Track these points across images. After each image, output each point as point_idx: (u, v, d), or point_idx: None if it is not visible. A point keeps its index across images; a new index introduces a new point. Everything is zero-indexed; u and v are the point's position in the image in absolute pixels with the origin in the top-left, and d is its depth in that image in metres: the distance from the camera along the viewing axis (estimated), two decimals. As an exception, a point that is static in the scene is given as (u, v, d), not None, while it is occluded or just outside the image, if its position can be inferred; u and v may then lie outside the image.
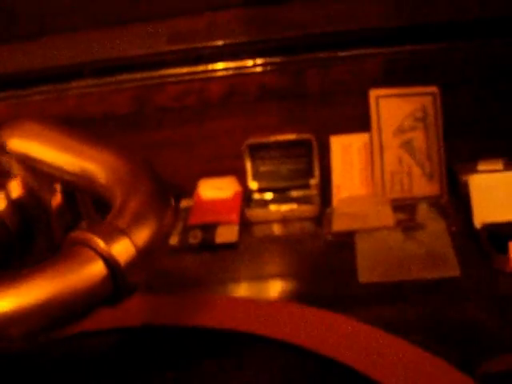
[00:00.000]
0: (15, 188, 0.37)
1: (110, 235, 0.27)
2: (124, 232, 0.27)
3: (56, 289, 0.25)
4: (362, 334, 0.60)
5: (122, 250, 0.27)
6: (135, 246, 0.28)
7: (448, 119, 0.88)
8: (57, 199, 0.41)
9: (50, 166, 0.39)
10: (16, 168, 0.39)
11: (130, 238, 0.28)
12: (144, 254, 0.30)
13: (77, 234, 0.27)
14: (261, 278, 0.78)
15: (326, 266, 0.78)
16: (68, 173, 0.39)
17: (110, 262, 0.26)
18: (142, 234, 0.31)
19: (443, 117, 0.87)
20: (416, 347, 0.60)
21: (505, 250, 0.72)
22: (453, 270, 0.73)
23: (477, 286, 0.72)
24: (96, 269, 0.26)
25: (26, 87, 0.88)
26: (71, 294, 0.26)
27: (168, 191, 0.41)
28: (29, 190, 0.37)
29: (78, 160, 0.40)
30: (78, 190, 0.43)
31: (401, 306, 0.69)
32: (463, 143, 0.89)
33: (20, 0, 0.89)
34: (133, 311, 0.61)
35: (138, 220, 0.32)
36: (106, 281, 0.26)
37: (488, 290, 0.71)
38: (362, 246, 0.77)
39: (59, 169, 0.39)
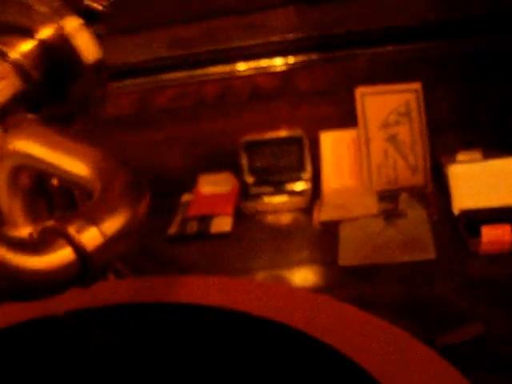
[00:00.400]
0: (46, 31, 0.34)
1: (81, 224, 0.32)
2: (94, 222, 0.32)
3: (32, 268, 0.30)
4: (339, 312, 0.64)
5: (90, 237, 0.30)
6: (103, 234, 0.32)
7: (432, 114, 0.93)
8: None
9: (40, 161, 0.44)
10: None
11: (99, 227, 0.31)
12: (111, 242, 0.34)
13: (51, 223, 0.32)
14: (251, 264, 0.83)
15: (311, 252, 0.83)
16: (56, 168, 0.44)
17: (78, 248, 0.31)
18: (111, 224, 0.35)
19: (427, 112, 0.92)
20: (385, 322, 0.64)
21: (479, 234, 0.77)
22: (429, 254, 0.77)
23: (450, 268, 0.76)
24: (65, 254, 0.31)
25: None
26: (45, 273, 0.31)
27: (144, 184, 0.45)
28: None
29: (64, 155, 0.45)
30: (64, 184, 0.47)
31: (376, 286, 0.74)
32: (448, 136, 0.94)
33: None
34: (121, 291, 0.66)
35: (108, 210, 0.37)
36: (74, 264, 0.31)
37: (460, 271, 0.75)
38: (345, 233, 0.82)
39: (50, 165, 0.44)
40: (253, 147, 0.96)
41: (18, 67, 0.33)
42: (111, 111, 0.95)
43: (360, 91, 0.92)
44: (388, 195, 0.90)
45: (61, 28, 0.33)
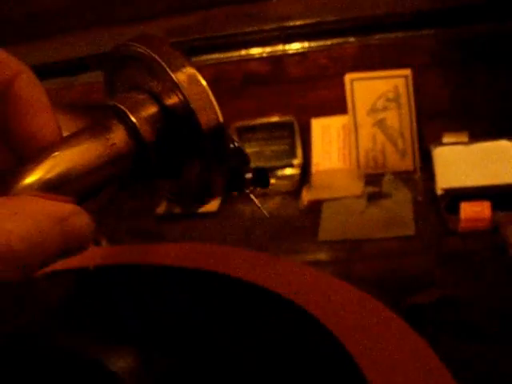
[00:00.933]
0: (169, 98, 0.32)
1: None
2: None
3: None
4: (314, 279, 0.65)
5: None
6: None
7: (423, 101, 0.93)
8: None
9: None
10: None
11: None
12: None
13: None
14: (237, 242, 0.84)
15: (294, 229, 0.84)
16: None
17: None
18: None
19: (418, 98, 0.92)
20: (357, 290, 0.65)
21: (458, 212, 0.77)
22: (408, 230, 0.78)
23: (427, 244, 0.76)
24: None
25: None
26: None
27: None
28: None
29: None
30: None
31: (353, 259, 0.75)
32: (438, 123, 0.94)
33: (37, 3, 1.01)
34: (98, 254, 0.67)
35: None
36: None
37: (437, 247, 0.75)
38: (328, 211, 0.83)
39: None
40: (244, 132, 0.98)
41: (134, 131, 0.31)
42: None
43: (349, 77, 0.93)
44: (376, 179, 0.91)
45: (187, 96, 0.31)
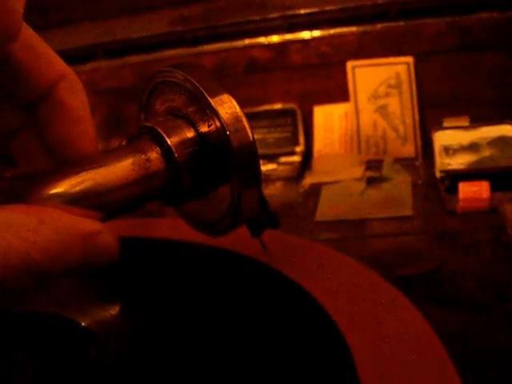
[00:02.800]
0: (204, 124, 0.32)
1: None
2: None
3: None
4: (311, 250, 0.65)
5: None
6: None
7: (426, 88, 0.94)
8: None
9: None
10: None
11: None
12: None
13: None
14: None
15: (293, 210, 0.84)
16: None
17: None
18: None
19: (420, 86, 0.93)
20: (352, 261, 0.65)
21: (456, 192, 0.77)
22: (405, 210, 0.78)
23: (424, 223, 0.76)
24: None
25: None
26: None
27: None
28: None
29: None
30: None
31: (349, 238, 0.75)
32: (441, 111, 0.94)
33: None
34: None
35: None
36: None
37: (435, 226, 0.75)
38: (326, 193, 0.83)
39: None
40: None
41: (169, 153, 0.32)
42: (113, 83, 1.00)
43: (351, 64, 0.94)
44: (376, 165, 0.91)
45: (224, 123, 0.32)
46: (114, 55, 1.02)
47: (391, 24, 0.94)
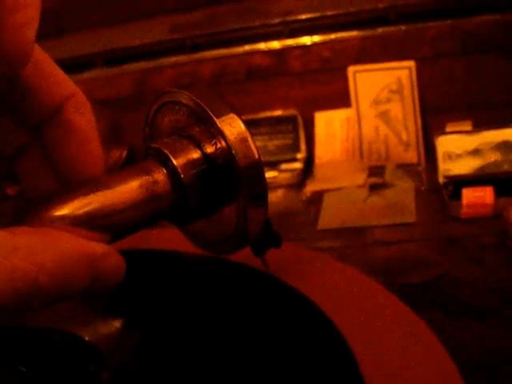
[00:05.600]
0: (210, 144, 0.32)
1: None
2: None
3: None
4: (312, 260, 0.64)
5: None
6: None
7: (428, 93, 0.93)
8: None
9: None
10: None
11: None
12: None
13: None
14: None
15: (295, 219, 0.83)
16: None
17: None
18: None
19: (423, 91, 0.92)
20: (354, 270, 0.64)
21: (460, 198, 0.75)
22: (409, 217, 0.76)
23: (429, 230, 0.75)
24: None
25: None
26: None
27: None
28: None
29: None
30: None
31: (352, 245, 0.74)
32: (444, 116, 0.93)
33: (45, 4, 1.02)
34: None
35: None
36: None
37: (438, 233, 0.74)
38: (328, 201, 0.82)
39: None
40: (248, 127, 0.97)
41: (175, 174, 0.31)
42: (111, 93, 0.99)
43: (352, 69, 0.93)
44: (379, 171, 0.90)
45: (230, 144, 0.31)
46: (112, 63, 1.02)
47: (392, 28, 0.93)
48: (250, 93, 0.97)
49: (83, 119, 0.29)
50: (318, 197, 0.86)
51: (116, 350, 0.43)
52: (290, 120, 0.96)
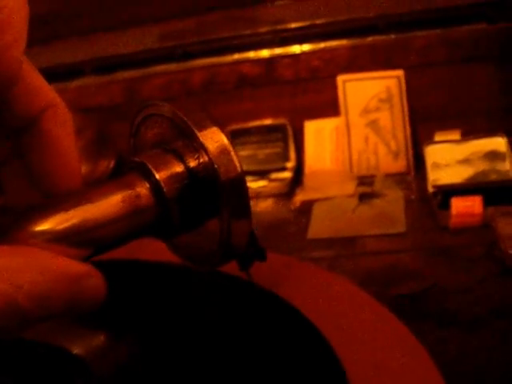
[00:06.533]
0: (193, 158, 0.32)
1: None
2: None
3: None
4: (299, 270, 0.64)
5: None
6: None
7: (417, 102, 0.93)
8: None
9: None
10: None
11: None
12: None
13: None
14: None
15: (285, 229, 0.83)
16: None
17: None
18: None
19: (412, 100, 0.92)
20: (343, 281, 0.64)
21: (449, 207, 0.76)
22: (399, 227, 0.77)
23: (419, 240, 0.75)
24: None
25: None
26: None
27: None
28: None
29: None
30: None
31: (342, 256, 0.74)
32: (432, 125, 0.94)
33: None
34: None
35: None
36: None
37: (428, 243, 0.74)
38: (318, 211, 0.82)
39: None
40: (238, 136, 0.98)
41: (158, 188, 0.31)
42: (101, 100, 0.99)
43: (341, 78, 0.93)
44: (368, 181, 0.90)
45: (212, 157, 0.31)
46: (102, 71, 1.01)
47: (381, 37, 0.94)
48: (239, 101, 0.97)
49: (61, 130, 0.28)
50: (307, 206, 0.86)
51: (103, 363, 0.43)
52: (279, 129, 0.96)
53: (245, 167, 0.85)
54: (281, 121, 0.96)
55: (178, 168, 0.32)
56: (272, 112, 0.97)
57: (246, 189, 0.33)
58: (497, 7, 0.88)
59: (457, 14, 0.92)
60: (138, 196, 0.30)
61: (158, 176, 0.31)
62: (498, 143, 0.82)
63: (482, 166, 0.81)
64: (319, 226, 0.79)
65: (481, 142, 0.83)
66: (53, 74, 1.02)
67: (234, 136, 0.98)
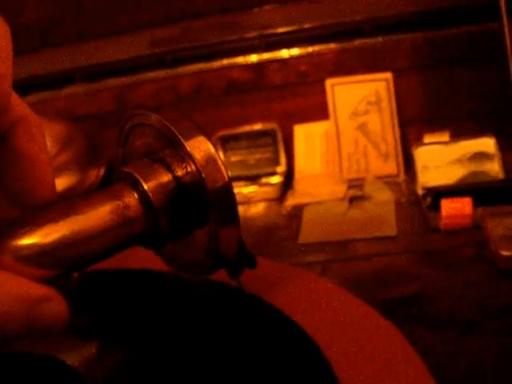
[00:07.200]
0: (180, 167, 0.32)
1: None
2: None
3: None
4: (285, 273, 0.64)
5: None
6: None
7: (405, 104, 0.93)
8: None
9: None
10: None
11: None
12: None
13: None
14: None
15: (276, 234, 0.83)
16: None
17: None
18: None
19: (400, 102, 0.93)
20: (334, 285, 0.64)
21: (439, 209, 0.76)
22: (390, 230, 0.77)
23: (410, 243, 0.75)
24: None
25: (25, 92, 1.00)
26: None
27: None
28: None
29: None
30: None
31: (333, 261, 0.74)
32: (421, 127, 0.94)
33: (20, 18, 1.02)
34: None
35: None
36: None
37: (419, 245, 0.75)
38: (308, 215, 0.83)
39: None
40: (228, 142, 0.98)
41: (146, 198, 0.31)
42: (91, 109, 0.99)
43: (330, 82, 0.94)
44: (359, 184, 0.90)
45: (199, 166, 0.32)
46: (92, 79, 1.01)
47: (369, 40, 0.94)
48: (229, 107, 0.98)
49: (32, 144, 0.28)
50: (298, 211, 0.86)
51: (95, 373, 0.43)
52: (269, 134, 0.97)
53: (235, 172, 0.86)
54: (270, 125, 0.97)
55: (166, 177, 0.32)
56: (261, 117, 0.98)
57: (233, 197, 0.33)
58: (482, 9, 0.88)
59: (443, 17, 0.92)
60: (126, 207, 0.30)
61: (146, 186, 0.31)
62: (487, 144, 0.82)
63: (471, 167, 0.81)
64: (310, 231, 0.79)
65: (469, 143, 0.83)
66: (43, 82, 1.02)
67: (223, 141, 0.98)
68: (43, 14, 1.01)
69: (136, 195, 0.31)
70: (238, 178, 0.97)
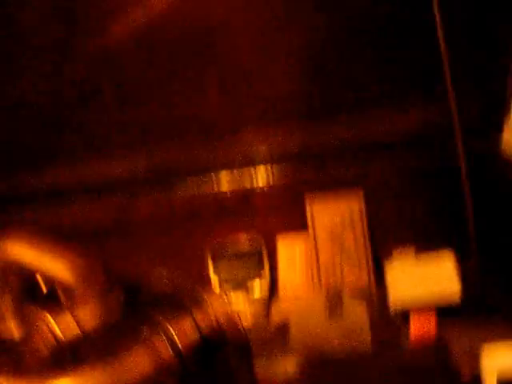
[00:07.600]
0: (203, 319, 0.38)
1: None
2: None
3: None
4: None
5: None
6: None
7: (374, 217, 1.06)
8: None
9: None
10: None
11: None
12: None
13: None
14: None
15: (264, 346, 0.92)
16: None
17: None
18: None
19: (369, 216, 1.05)
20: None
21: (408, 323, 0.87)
22: (365, 348, 0.87)
23: (381, 358, 0.85)
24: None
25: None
26: None
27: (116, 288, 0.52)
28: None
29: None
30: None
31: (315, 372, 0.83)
32: (388, 232, 1.06)
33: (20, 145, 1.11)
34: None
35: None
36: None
37: (390, 361, 0.84)
38: (294, 328, 0.92)
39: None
40: (218, 259, 1.08)
41: (175, 345, 0.36)
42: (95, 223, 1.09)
43: (309, 199, 1.06)
44: (336, 294, 1.00)
45: (216, 318, 0.38)
46: (91, 195, 1.10)
47: (343, 161, 1.07)
48: (219, 229, 1.09)
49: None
50: (284, 327, 0.95)
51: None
52: (255, 253, 1.07)
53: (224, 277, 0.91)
54: (255, 236, 1.08)
55: (194, 335, 0.40)
56: (249, 231, 1.09)
57: (250, 349, 0.40)
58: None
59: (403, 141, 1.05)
60: (163, 360, 0.38)
61: (179, 344, 0.39)
62: (446, 255, 0.94)
63: (435, 277, 0.92)
64: (295, 344, 0.89)
65: (433, 258, 0.94)
66: (46, 199, 1.11)
67: (214, 251, 1.08)
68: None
69: (171, 351, 0.39)
70: (226, 281, 1.07)
